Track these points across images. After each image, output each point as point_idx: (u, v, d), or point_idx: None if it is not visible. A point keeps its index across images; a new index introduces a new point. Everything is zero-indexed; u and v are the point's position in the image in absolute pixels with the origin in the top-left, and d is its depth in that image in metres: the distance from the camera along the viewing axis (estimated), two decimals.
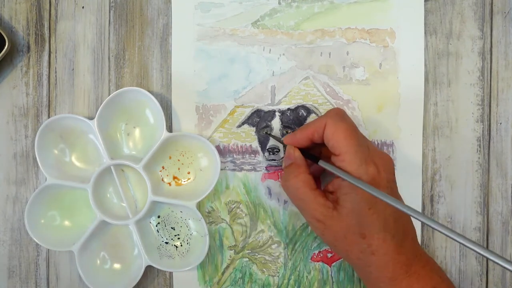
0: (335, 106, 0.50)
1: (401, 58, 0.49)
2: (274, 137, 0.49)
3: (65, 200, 0.50)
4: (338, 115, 0.44)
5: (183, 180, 0.51)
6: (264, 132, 0.50)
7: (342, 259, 0.50)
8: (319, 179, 0.49)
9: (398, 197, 0.44)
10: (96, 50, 0.51)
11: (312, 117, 0.50)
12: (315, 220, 0.43)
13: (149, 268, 0.50)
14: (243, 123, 0.50)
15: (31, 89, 0.51)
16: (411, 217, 0.43)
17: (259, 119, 0.50)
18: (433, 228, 0.37)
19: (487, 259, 0.36)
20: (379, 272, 0.42)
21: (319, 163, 0.44)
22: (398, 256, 0.41)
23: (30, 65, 0.51)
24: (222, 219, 0.51)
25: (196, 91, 0.50)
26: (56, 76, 0.51)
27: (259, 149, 0.50)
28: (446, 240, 0.50)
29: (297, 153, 0.45)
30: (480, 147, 0.50)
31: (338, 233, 0.42)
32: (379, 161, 0.42)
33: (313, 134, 0.44)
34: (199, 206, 0.50)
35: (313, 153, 0.45)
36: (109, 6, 0.51)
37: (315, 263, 0.50)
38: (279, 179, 0.50)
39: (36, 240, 0.48)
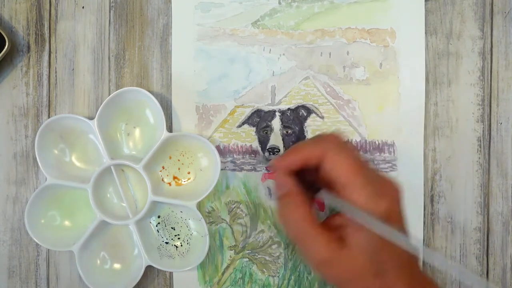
0: (336, 106, 0.50)
1: (401, 58, 0.49)
2: (264, 160, 0.48)
3: (65, 200, 0.50)
4: (338, 144, 0.39)
5: (183, 180, 0.51)
6: (263, 132, 0.49)
7: None
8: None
9: (405, 229, 0.40)
10: (96, 50, 0.51)
11: (312, 117, 0.50)
12: (318, 261, 0.38)
13: (149, 268, 0.50)
14: (243, 123, 0.50)
15: (31, 89, 0.51)
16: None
17: (259, 119, 0.50)
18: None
19: None
20: None
21: (321, 195, 0.39)
22: None
23: (30, 65, 0.51)
24: (222, 219, 0.51)
25: (196, 91, 0.50)
26: (56, 76, 0.51)
27: (259, 149, 0.50)
28: (446, 240, 0.50)
29: (290, 181, 0.40)
30: (480, 147, 0.50)
31: (346, 274, 0.37)
32: (389, 192, 0.38)
33: (306, 161, 0.39)
34: (199, 206, 0.50)
35: (311, 181, 0.41)
36: (109, 6, 0.51)
37: None
38: None
39: (36, 240, 0.48)
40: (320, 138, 0.41)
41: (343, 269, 0.38)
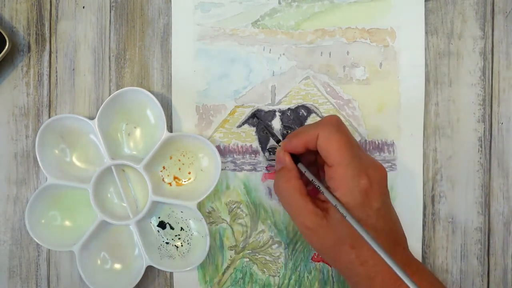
0: (336, 106, 0.50)
1: (401, 57, 0.49)
2: (271, 134, 0.49)
3: (66, 200, 0.50)
4: (332, 124, 0.42)
5: (183, 180, 0.51)
6: (263, 132, 0.49)
7: None
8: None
9: (391, 210, 0.44)
10: (96, 50, 0.51)
11: (312, 117, 0.50)
12: (304, 227, 0.42)
13: (149, 268, 0.50)
14: (243, 123, 0.50)
15: (31, 89, 0.51)
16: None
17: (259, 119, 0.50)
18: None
19: None
20: (367, 282, 0.41)
21: (300, 167, 0.44)
22: (388, 267, 0.40)
23: (30, 65, 0.51)
24: (223, 219, 0.51)
25: (196, 91, 0.50)
26: (56, 76, 0.51)
27: (260, 149, 0.50)
28: (447, 240, 0.50)
29: (288, 158, 0.44)
30: (481, 147, 0.50)
31: (326, 241, 0.42)
32: (372, 173, 0.41)
33: (307, 143, 0.43)
34: (200, 206, 0.50)
35: (297, 156, 0.45)
36: (110, 6, 0.51)
37: (316, 263, 0.50)
38: None
39: (37, 240, 0.48)
40: (318, 121, 0.45)
41: (324, 237, 0.42)
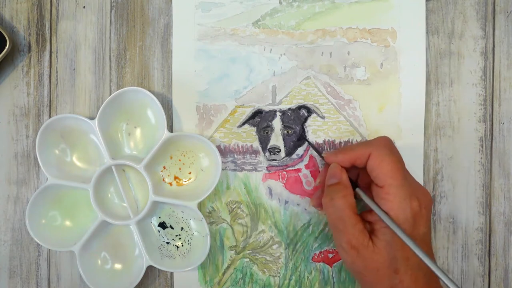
0: (336, 106, 0.50)
1: (402, 58, 0.49)
2: (313, 147, 0.49)
3: (66, 200, 0.50)
4: (385, 146, 0.43)
5: (184, 180, 0.51)
6: (264, 133, 0.49)
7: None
8: None
9: (430, 238, 0.44)
10: (97, 50, 0.51)
11: (313, 117, 0.50)
12: (349, 246, 0.42)
13: (150, 268, 0.50)
14: (244, 123, 0.50)
15: (32, 89, 0.51)
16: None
17: (260, 119, 0.50)
18: None
19: None
20: None
21: (357, 193, 0.44)
22: None
23: (31, 65, 0.51)
24: (223, 219, 0.50)
25: (197, 91, 0.50)
26: (57, 76, 0.51)
27: (260, 149, 0.50)
28: (448, 240, 0.50)
29: (344, 175, 0.44)
30: (482, 147, 0.50)
31: (370, 264, 0.41)
32: (421, 197, 0.42)
33: (355, 160, 0.43)
34: (200, 206, 0.50)
35: (351, 179, 0.45)
36: (110, 6, 0.51)
37: (316, 263, 0.50)
38: (280, 179, 0.50)
39: (37, 240, 0.48)
40: (370, 140, 0.45)
41: (368, 259, 0.41)
